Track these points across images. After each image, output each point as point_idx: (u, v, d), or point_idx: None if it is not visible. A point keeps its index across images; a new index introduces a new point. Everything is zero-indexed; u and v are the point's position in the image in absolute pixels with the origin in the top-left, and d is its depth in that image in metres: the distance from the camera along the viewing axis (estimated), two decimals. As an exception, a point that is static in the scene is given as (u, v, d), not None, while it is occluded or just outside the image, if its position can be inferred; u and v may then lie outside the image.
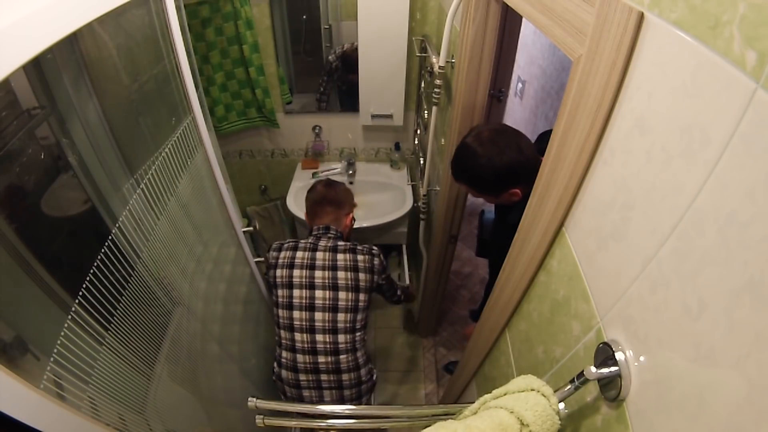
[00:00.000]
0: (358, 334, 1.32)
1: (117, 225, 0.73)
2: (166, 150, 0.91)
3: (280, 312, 1.30)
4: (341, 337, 1.29)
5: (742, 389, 0.30)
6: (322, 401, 1.37)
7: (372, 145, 2.21)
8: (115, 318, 0.69)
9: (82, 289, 0.62)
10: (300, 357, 1.31)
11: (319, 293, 1.28)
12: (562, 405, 0.53)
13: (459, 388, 1.35)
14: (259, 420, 0.90)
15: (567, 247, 0.60)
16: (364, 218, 2.09)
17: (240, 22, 1.70)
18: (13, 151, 0.60)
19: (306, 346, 1.30)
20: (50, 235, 0.68)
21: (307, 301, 1.28)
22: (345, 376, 1.33)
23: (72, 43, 0.71)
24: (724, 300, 0.32)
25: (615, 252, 0.48)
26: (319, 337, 1.29)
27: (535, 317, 0.73)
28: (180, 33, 0.92)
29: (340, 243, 1.33)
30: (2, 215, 0.56)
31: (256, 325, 1.59)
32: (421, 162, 1.81)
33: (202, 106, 1.05)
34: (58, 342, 0.56)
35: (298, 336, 1.29)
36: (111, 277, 0.68)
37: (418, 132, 1.94)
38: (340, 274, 1.28)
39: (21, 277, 0.57)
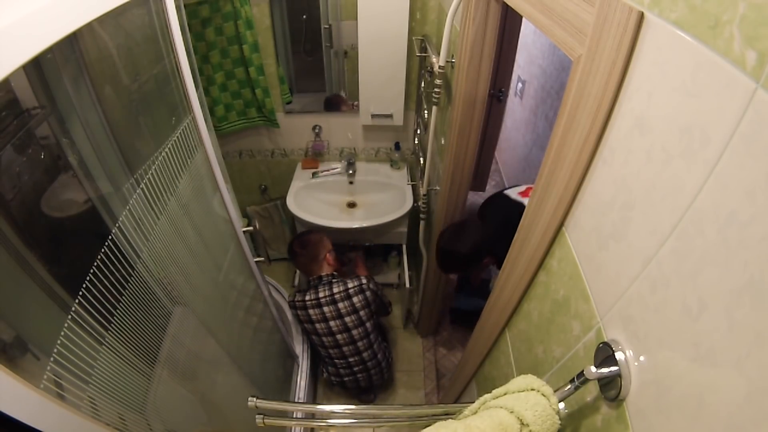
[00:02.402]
0: (371, 336, 1.79)
1: (117, 225, 0.73)
2: (166, 150, 0.91)
3: (314, 338, 1.82)
4: (360, 344, 1.79)
5: (742, 389, 0.30)
6: (358, 383, 1.88)
7: (372, 145, 2.21)
8: (115, 318, 0.69)
9: (82, 289, 0.62)
10: (337, 362, 1.85)
11: (336, 330, 1.76)
12: (562, 405, 0.53)
13: (459, 388, 1.35)
14: (259, 420, 0.90)
15: (567, 247, 0.60)
16: (364, 218, 2.09)
17: (240, 22, 1.70)
18: (13, 151, 0.60)
19: (337, 353, 1.83)
20: (50, 235, 0.69)
21: (331, 338, 1.78)
22: (369, 365, 1.85)
23: (72, 43, 0.71)
24: (724, 300, 0.32)
25: (615, 252, 0.48)
26: (344, 349, 1.80)
27: (535, 317, 0.73)
28: (180, 33, 0.92)
29: (335, 291, 1.70)
30: (2, 215, 0.56)
31: (256, 324, 1.59)
32: (421, 162, 1.81)
33: (202, 106, 1.04)
34: (58, 342, 0.56)
35: (331, 351, 1.82)
36: (111, 277, 0.68)
37: (418, 132, 1.94)
38: (347, 319, 1.73)
39: (21, 277, 0.57)
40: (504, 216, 1.47)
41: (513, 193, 1.50)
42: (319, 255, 1.78)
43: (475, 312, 2.31)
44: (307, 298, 1.72)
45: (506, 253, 1.49)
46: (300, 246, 1.81)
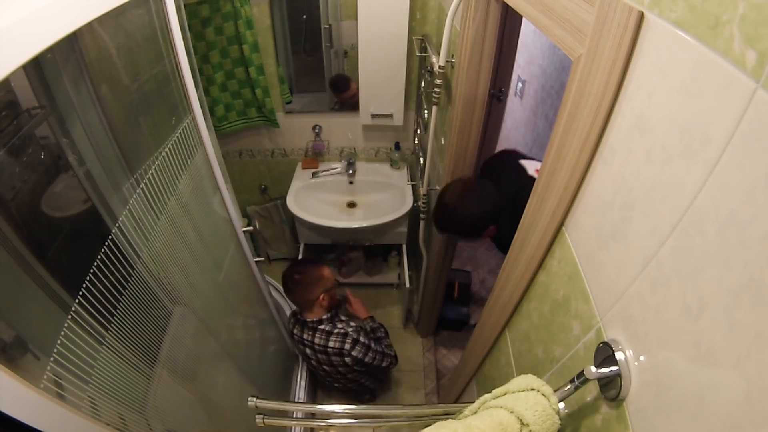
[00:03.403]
0: (350, 375, 1.73)
1: (117, 225, 0.73)
2: (166, 150, 0.91)
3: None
4: (340, 379, 1.77)
5: (742, 389, 0.30)
6: (343, 392, 1.90)
7: (372, 145, 2.21)
8: (115, 318, 0.69)
9: (82, 289, 0.62)
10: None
11: (314, 366, 1.75)
12: (562, 405, 0.53)
13: (459, 388, 1.35)
14: (259, 420, 0.90)
15: (567, 247, 0.60)
16: (364, 218, 2.09)
17: (240, 22, 1.70)
18: (13, 151, 0.60)
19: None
20: (50, 235, 0.69)
21: (310, 366, 1.79)
22: (349, 386, 1.84)
23: (72, 43, 0.71)
24: (724, 300, 0.32)
25: (615, 251, 0.48)
26: (326, 379, 1.82)
27: (535, 317, 0.73)
28: (180, 33, 0.92)
29: (316, 341, 1.61)
30: (2, 215, 0.56)
31: (256, 324, 1.59)
32: (421, 162, 1.81)
33: (202, 106, 1.04)
34: (58, 342, 0.56)
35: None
36: (111, 277, 0.68)
37: (418, 131, 1.94)
38: (324, 366, 1.69)
39: (21, 277, 0.57)
40: (517, 188, 1.18)
41: (530, 168, 1.26)
42: (303, 300, 1.60)
43: (459, 320, 2.36)
44: (295, 331, 1.67)
45: (508, 230, 1.24)
46: (287, 283, 1.62)
